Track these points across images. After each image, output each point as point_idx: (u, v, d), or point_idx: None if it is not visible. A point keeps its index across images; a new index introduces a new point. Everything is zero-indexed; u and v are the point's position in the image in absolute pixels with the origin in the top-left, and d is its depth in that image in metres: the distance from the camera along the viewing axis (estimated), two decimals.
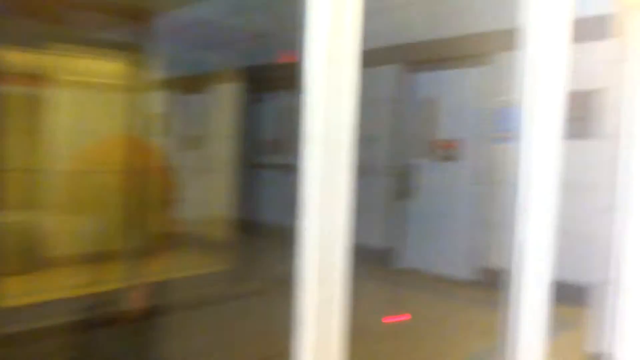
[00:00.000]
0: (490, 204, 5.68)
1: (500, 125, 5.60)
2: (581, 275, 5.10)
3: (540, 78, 2.60)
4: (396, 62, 6.50)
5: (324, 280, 1.50)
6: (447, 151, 6.09)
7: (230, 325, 4.65)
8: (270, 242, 7.57)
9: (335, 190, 1.54)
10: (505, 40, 5.55)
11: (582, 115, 5.10)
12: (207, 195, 7.00)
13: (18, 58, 5.32)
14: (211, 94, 8.22)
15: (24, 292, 4.53)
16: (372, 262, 6.60)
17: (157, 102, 7.55)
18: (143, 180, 2.74)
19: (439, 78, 6.22)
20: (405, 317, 5.03)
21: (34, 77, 5.43)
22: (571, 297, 5.23)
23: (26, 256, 5.11)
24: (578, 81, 5.25)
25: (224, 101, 8.23)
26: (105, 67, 5.87)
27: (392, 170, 6.55)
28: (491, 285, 5.66)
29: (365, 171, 6.76)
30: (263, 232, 8.13)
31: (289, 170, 7.84)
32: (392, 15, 6.55)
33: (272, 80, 8.11)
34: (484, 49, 5.74)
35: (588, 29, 5.02)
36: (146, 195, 2.77)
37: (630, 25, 4.94)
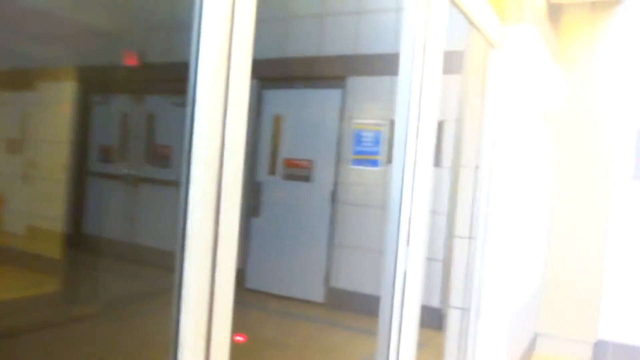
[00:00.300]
0: (341, 225, 5.77)
1: (356, 147, 5.72)
2: (439, 300, 5.38)
3: (413, 105, 2.61)
4: (253, 77, 6.35)
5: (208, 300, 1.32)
6: (299, 170, 6.07)
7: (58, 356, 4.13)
8: (103, 259, 6.98)
9: (227, 213, 1.34)
10: (358, 64, 5.73)
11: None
12: (32, 205, 6.21)
13: None
14: (40, 92, 7.38)
15: None
16: None
17: None
18: None
19: (292, 96, 6.20)
20: (240, 337, 4.92)
21: None
22: (428, 320, 5.47)
23: None
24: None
25: (55, 102, 7.44)
26: None
27: (243, 186, 6.36)
28: (337, 306, 5.76)
29: None
30: (96, 247, 7.45)
31: (130, 181, 7.39)
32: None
33: (115, 83, 7.51)
34: (340, 71, 5.85)
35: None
36: None
37: (484, 61, 5.37)
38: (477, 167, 3.76)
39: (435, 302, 5.34)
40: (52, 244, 6.19)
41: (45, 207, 6.44)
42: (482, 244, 3.71)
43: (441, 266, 5.30)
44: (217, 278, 1.34)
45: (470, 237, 3.86)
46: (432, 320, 5.30)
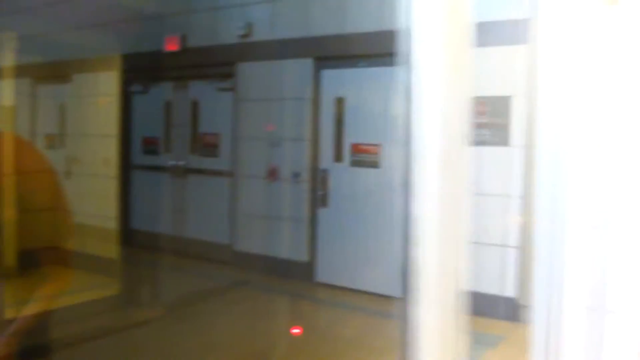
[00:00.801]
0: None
1: None
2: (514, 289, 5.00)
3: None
4: (308, 55, 5.94)
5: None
6: (368, 156, 5.67)
7: None
8: (154, 255, 6.69)
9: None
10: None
11: (495, 122, 4.97)
12: (83, 202, 5.89)
13: None
14: (83, 83, 7.04)
15: None
16: (293, 276, 6.02)
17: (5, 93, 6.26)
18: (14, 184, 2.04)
19: (355, 76, 5.76)
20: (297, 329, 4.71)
21: None
22: (504, 312, 5.11)
23: None
24: (490, 86, 5.18)
25: (93, 93, 7.09)
26: None
27: (308, 176, 5.99)
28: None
29: (277, 176, 6.15)
30: (146, 242, 7.16)
31: (182, 174, 7.06)
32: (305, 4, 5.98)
33: (156, 70, 7.14)
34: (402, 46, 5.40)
35: (504, 33, 4.88)
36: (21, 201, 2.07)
37: (541, 30, 4.91)
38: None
39: (509, 292, 4.94)
40: (104, 242, 5.90)
41: (91, 204, 6.13)
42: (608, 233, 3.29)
43: (515, 253, 4.89)
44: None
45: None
46: (508, 311, 4.93)
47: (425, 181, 1.27)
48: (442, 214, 1.23)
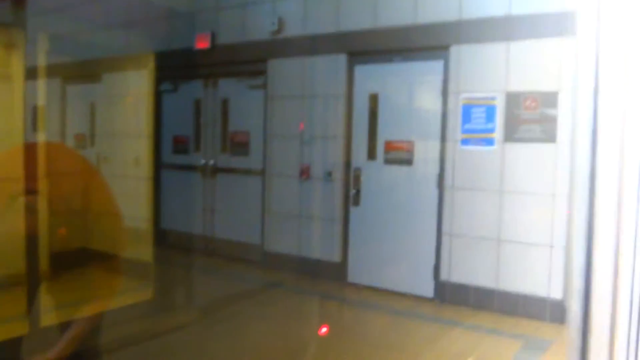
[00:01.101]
0: (451, 212, 5.20)
1: (465, 125, 5.11)
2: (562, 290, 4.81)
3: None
4: (341, 51, 5.79)
5: None
6: (401, 153, 5.51)
7: None
8: (191, 257, 6.64)
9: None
10: (462, 31, 5.09)
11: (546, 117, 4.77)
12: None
13: None
14: (112, 83, 7.02)
15: None
16: (325, 277, 5.91)
17: (38, 93, 6.27)
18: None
19: (388, 72, 5.60)
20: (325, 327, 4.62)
21: None
22: (551, 314, 4.91)
23: None
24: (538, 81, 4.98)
25: (123, 93, 7.07)
26: None
27: (340, 174, 5.85)
28: (448, 301, 5.23)
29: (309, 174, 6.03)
30: (181, 244, 7.12)
31: (212, 173, 7.00)
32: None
33: (189, 68, 7.08)
34: (441, 40, 5.22)
35: (547, 25, 4.69)
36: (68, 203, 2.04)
37: (582, 23, 4.70)
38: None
39: (556, 294, 4.75)
40: (137, 245, 5.85)
41: (123, 205, 6.07)
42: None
43: (563, 254, 4.69)
44: None
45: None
46: (554, 313, 4.74)
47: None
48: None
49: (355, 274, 5.79)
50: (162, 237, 7.10)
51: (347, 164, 5.81)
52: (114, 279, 2.36)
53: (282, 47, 6.18)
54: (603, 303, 1.30)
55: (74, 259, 2.29)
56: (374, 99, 5.65)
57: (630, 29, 1.19)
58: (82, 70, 7.26)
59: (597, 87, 1.28)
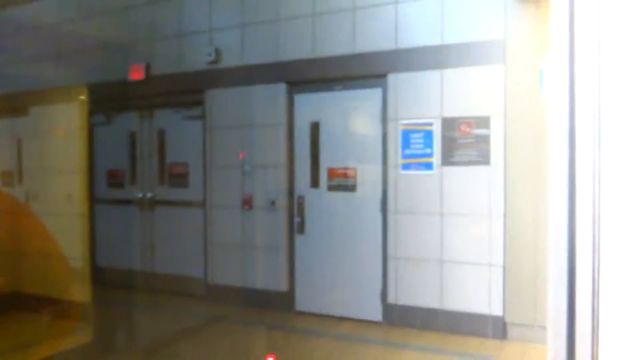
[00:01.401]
0: (396, 236, 5.29)
1: (405, 150, 5.24)
2: (502, 308, 4.97)
3: None
4: (280, 80, 5.83)
5: None
6: (345, 180, 5.57)
7: None
8: (132, 294, 6.39)
9: None
10: (399, 60, 5.27)
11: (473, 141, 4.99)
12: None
13: None
14: (40, 116, 6.72)
15: None
16: (273, 307, 5.82)
17: None
18: None
19: (328, 100, 5.69)
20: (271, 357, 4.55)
21: None
22: (492, 330, 5.06)
23: None
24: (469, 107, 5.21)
25: (52, 126, 6.78)
26: None
27: (284, 203, 5.83)
28: (397, 324, 5.30)
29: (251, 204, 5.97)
30: (120, 281, 6.84)
31: (150, 206, 6.80)
32: (275, 30, 5.89)
33: (123, 100, 6.89)
34: (379, 68, 5.37)
35: (477, 54, 4.94)
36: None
37: (513, 51, 5.00)
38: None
39: (497, 311, 4.91)
40: (71, 284, 5.58)
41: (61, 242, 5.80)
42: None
43: (501, 272, 4.88)
44: None
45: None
46: (495, 329, 4.90)
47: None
48: None
49: (303, 302, 5.76)
50: (99, 275, 6.81)
51: (291, 192, 5.82)
52: (50, 323, 2.23)
53: (219, 77, 6.15)
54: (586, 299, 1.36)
55: (4, 304, 2.15)
56: (315, 127, 5.71)
57: (604, 33, 1.28)
58: (5, 104, 6.92)
59: (572, 90, 1.36)
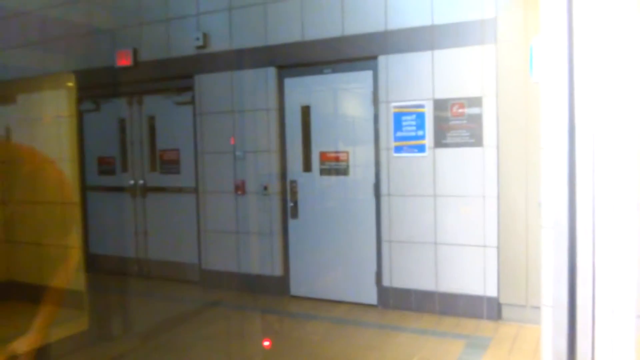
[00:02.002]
0: (389, 219, 5.28)
1: (397, 133, 5.22)
2: (496, 289, 4.99)
3: None
4: (270, 64, 5.77)
5: None
6: (337, 164, 5.55)
7: None
8: (126, 281, 6.38)
9: None
10: (389, 41, 5.21)
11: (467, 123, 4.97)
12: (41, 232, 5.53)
13: None
14: (33, 104, 6.64)
15: None
16: (267, 292, 5.82)
17: None
18: None
19: (318, 83, 5.63)
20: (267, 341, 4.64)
21: None
22: (487, 311, 5.08)
23: None
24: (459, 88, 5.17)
25: (46, 113, 6.71)
26: None
27: (276, 188, 5.81)
28: (394, 306, 5.31)
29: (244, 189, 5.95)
30: (114, 268, 6.83)
31: (141, 193, 6.75)
32: (264, 12, 5.81)
33: (111, 86, 6.82)
34: (369, 50, 5.32)
35: (468, 34, 4.90)
36: None
37: (506, 30, 4.94)
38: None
39: (491, 292, 4.94)
40: (66, 272, 5.54)
41: (51, 233, 5.76)
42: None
43: (495, 253, 4.89)
44: None
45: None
46: (490, 310, 4.92)
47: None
48: None
49: (298, 286, 5.77)
50: (94, 262, 6.79)
51: (283, 176, 5.80)
52: (46, 312, 2.22)
53: (208, 62, 6.08)
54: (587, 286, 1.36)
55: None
56: (305, 111, 5.67)
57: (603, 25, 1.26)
58: None
59: (572, 81, 1.33)
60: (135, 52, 6.47)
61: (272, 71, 5.76)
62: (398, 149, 5.22)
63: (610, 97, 1.30)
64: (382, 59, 5.25)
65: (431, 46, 5.06)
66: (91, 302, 5.22)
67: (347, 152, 5.50)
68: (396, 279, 5.29)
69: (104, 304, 5.66)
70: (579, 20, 1.31)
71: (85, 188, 7.10)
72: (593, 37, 1.30)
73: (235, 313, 5.55)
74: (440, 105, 5.04)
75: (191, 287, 6.26)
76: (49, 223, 5.66)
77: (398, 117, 5.20)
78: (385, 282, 5.34)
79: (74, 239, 5.91)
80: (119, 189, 6.93)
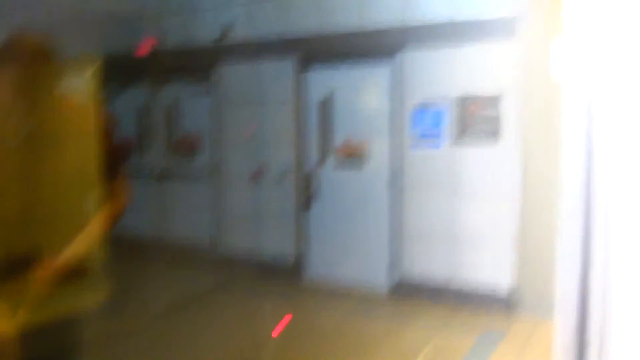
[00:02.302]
0: (403, 212, 5.36)
1: (414, 129, 5.27)
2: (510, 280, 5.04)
3: None
4: (291, 55, 5.84)
5: None
6: (353, 157, 5.62)
7: None
8: (145, 262, 6.48)
9: None
10: (409, 36, 5.26)
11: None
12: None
13: None
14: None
15: None
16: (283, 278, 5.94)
17: None
18: None
19: (338, 77, 5.69)
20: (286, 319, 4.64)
21: None
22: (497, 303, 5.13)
23: None
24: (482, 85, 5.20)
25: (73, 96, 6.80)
26: None
27: (294, 177, 5.91)
28: (410, 297, 5.38)
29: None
30: (134, 245, 6.94)
31: (160, 177, 6.84)
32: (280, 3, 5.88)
33: (132, 74, 6.91)
34: (388, 45, 5.37)
35: (491, 31, 4.92)
36: None
37: (528, 28, 4.94)
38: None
39: (507, 285, 4.98)
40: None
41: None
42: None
43: (511, 247, 4.93)
44: None
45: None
46: (507, 304, 4.95)
47: None
48: None
49: (313, 273, 5.89)
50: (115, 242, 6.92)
51: (300, 167, 5.88)
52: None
53: (229, 53, 6.16)
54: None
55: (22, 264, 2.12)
56: (324, 104, 5.74)
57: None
58: None
59: (592, 80, 1.36)
60: (157, 42, 6.54)
61: (291, 63, 5.85)
62: (416, 145, 5.27)
63: (630, 99, 1.33)
64: (402, 54, 5.30)
65: (451, 42, 5.10)
66: (114, 278, 5.34)
67: (364, 146, 5.56)
68: (411, 269, 5.36)
69: (125, 280, 5.77)
70: (602, 21, 1.34)
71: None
72: (617, 38, 1.33)
73: (251, 293, 5.60)
74: (459, 102, 5.08)
75: (208, 268, 6.35)
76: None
77: (416, 113, 5.25)
78: (401, 272, 5.41)
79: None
80: (140, 173, 7.04)
